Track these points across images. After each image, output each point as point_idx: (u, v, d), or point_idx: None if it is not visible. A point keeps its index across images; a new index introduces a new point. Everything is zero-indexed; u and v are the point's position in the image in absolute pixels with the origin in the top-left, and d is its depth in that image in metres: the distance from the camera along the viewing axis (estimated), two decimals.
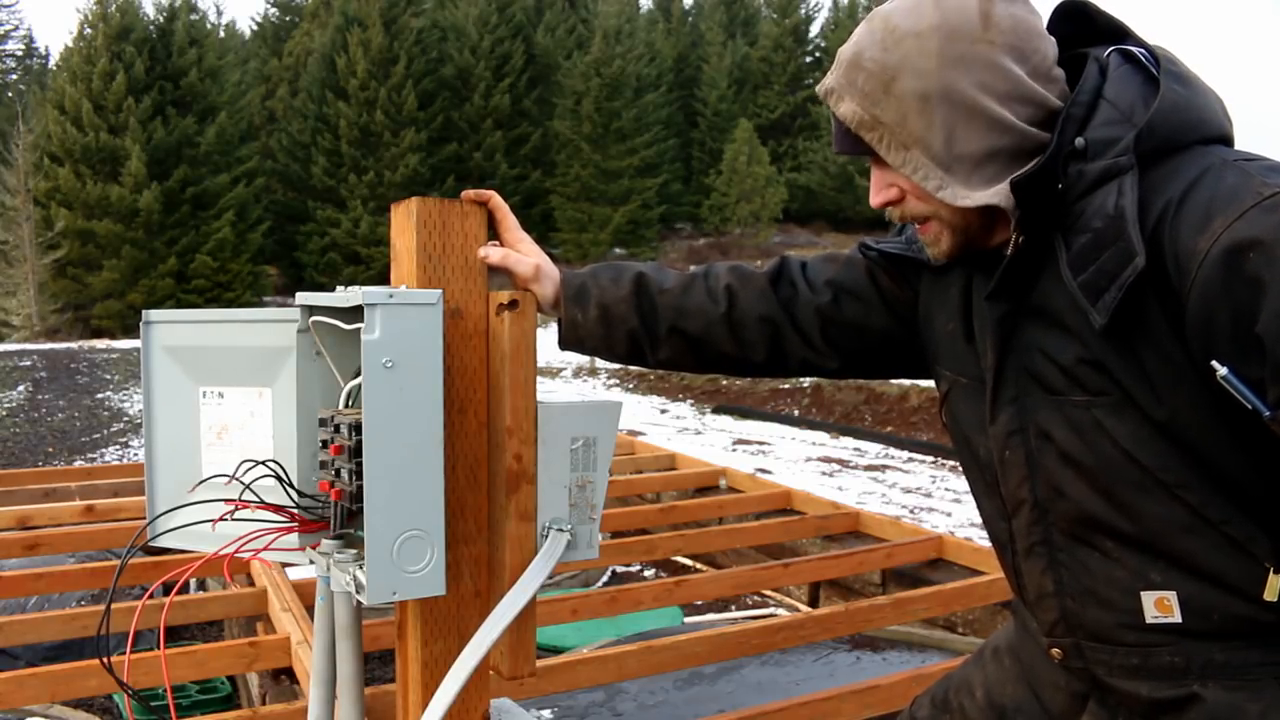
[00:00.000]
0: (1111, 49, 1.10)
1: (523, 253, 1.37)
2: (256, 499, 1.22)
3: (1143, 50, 1.10)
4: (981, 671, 1.40)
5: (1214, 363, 0.96)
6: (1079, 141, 1.04)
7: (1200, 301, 0.96)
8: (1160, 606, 1.08)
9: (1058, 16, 1.15)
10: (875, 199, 1.15)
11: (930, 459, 9.11)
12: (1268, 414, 0.93)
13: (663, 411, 12.97)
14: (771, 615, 4.02)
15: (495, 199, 1.35)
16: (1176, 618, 1.07)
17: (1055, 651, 1.20)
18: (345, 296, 1.16)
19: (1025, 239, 1.08)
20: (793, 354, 1.41)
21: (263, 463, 1.23)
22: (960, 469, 1.34)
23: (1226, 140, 1.07)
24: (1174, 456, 1.03)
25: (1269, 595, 1.03)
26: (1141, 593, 1.09)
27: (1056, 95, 1.08)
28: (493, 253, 1.33)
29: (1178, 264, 0.97)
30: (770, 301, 1.39)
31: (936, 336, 1.30)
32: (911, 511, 6.76)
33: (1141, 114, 1.03)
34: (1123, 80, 1.07)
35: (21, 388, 15.08)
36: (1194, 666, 1.08)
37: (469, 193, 1.33)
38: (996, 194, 1.06)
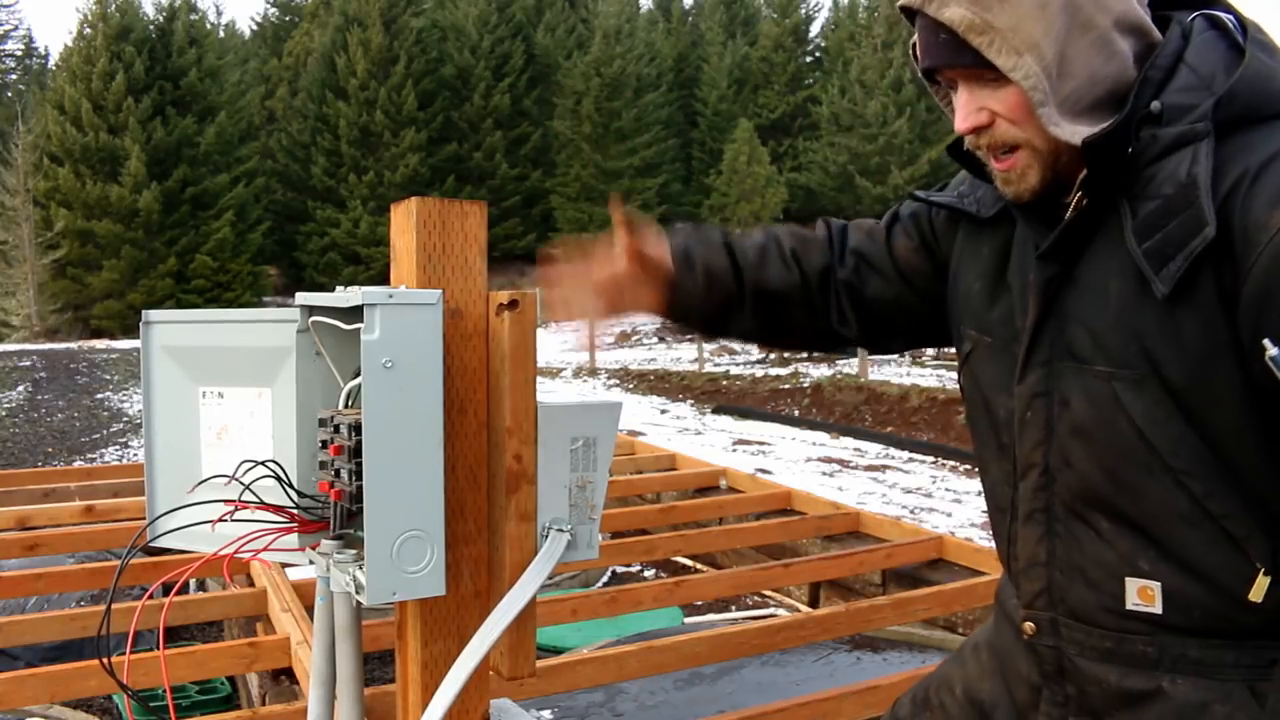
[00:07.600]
0: (1196, 13, 1.06)
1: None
2: (256, 499, 1.22)
3: (1231, 16, 1.06)
4: (961, 668, 1.39)
5: (1266, 341, 0.93)
6: (1155, 105, 1.01)
7: (1263, 277, 0.93)
8: (1143, 595, 1.07)
9: None
10: (964, 124, 1.07)
11: (930, 459, 9.11)
12: None
13: (663, 411, 12.97)
14: (771, 615, 4.02)
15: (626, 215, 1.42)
16: (1157, 609, 1.06)
17: (1029, 625, 1.18)
18: (345, 296, 1.16)
19: (1089, 201, 1.06)
20: (823, 321, 1.43)
21: (262, 463, 1.22)
22: (971, 441, 1.32)
23: None
24: (1186, 441, 1.01)
25: (1255, 596, 1.01)
26: (1127, 578, 1.07)
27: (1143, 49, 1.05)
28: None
29: (1245, 236, 0.95)
30: (827, 267, 1.42)
31: (962, 295, 1.28)
32: (912, 511, 6.76)
33: (1222, 82, 1.00)
34: (1206, 46, 1.03)
35: (21, 388, 15.09)
36: (1166, 659, 1.07)
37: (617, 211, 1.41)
38: (1080, 135, 1.02)
